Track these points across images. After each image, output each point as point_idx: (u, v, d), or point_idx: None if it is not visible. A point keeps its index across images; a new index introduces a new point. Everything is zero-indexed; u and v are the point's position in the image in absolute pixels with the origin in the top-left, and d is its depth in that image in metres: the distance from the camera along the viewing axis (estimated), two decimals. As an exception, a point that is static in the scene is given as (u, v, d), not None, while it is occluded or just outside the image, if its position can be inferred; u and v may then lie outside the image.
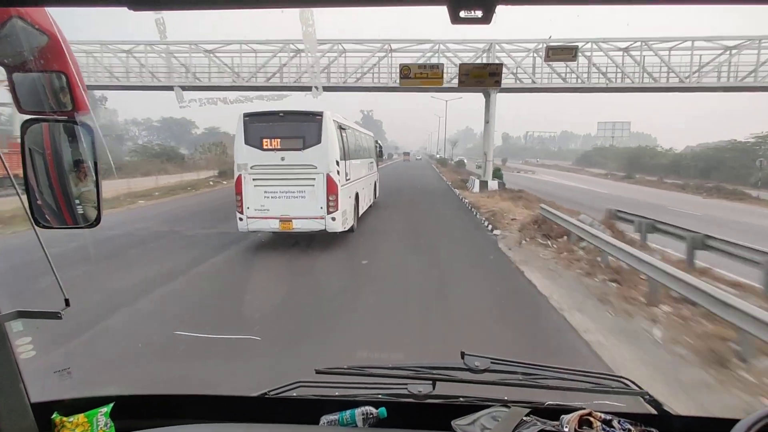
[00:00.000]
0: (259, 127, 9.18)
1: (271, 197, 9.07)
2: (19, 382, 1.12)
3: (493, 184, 22.94)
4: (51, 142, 1.10)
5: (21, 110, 1.05)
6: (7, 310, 1.05)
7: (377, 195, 17.69)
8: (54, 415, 1.21)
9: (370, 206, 15.39)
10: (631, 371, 4.17)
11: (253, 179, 9.12)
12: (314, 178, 9.09)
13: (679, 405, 4.34)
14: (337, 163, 9.27)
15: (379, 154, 18.91)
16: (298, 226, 9.17)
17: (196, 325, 5.26)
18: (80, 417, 1.22)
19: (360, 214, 12.56)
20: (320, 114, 9.08)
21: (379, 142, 18.99)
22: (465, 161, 63.13)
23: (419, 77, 10.66)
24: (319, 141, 9.03)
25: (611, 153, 66.97)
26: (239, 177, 9.14)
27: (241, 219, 9.22)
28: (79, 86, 1.09)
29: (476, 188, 23.05)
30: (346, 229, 10.22)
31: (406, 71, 10.43)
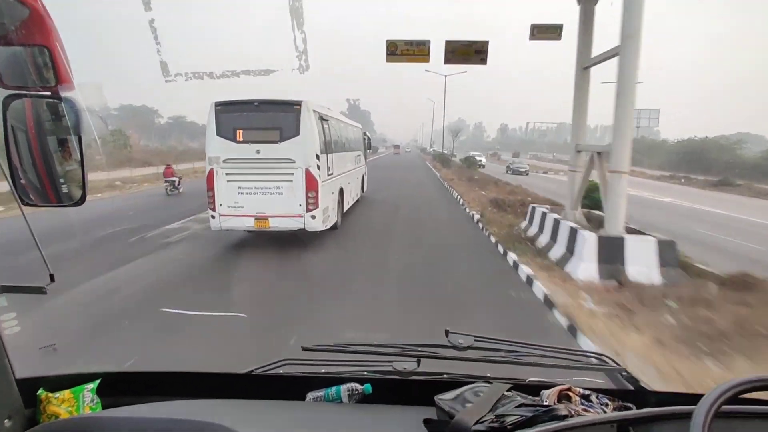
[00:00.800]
0: (232, 117, 8.62)
1: (246, 193, 8.54)
2: (3, 357, 1.12)
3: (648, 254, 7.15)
4: (34, 119, 1.08)
5: (3, 85, 1.03)
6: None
7: (365, 189, 17.03)
8: (40, 391, 1.22)
9: (357, 201, 14.83)
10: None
11: (226, 174, 8.56)
12: (292, 173, 8.52)
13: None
14: (318, 157, 8.69)
15: (368, 147, 18.16)
16: (275, 224, 8.62)
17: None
18: (66, 393, 1.23)
19: (345, 209, 12.13)
20: (298, 104, 8.51)
21: (367, 134, 18.17)
22: (483, 161, 44.05)
23: (406, 54, 10.33)
24: (297, 133, 8.47)
25: (661, 148, 54.65)
26: (211, 171, 8.55)
27: (213, 217, 8.68)
28: (63, 61, 1.07)
29: (585, 271, 7.16)
30: (328, 228, 9.66)
31: (392, 47, 10.15)
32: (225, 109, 8.56)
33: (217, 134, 8.54)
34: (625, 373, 1.43)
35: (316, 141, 8.70)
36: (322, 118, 9.55)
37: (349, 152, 13.37)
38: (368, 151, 18.54)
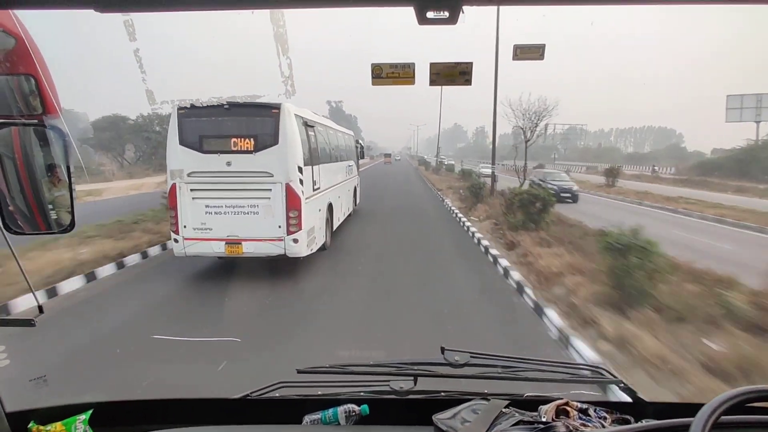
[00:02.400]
0: (198, 123, 7.25)
1: (215, 213, 7.22)
2: None
3: None
4: (21, 147, 1.08)
5: None
6: None
7: (357, 203, 15.73)
8: (30, 424, 1.19)
9: (349, 215, 13.71)
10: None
11: (191, 190, 7.21)
12: (270, 189, 7.22)
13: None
14: (300, 169, 7.38)
15: (360, 156, 16.85)
16: (249, 249, 7.27)
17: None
18: (58, 425, 1.21)
19: (336, 226, 10.99)
20: (277, 106, 7.11)
21: (360, 142, 17.10)
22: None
23: (391, 77, 10.42)
24: (275, 141, 7.16)
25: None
26: (173, 186, 7.22)
27: (176, 241, 7.27)
28: (48, 90, 1.08)
29: None
30: (314, 251, 8.26)
31: (378, 71, 10.27)
32: (189, 114, 7.20)
33: (181, 143, 7.21)
34: (622, 385, 1.43)
35: (299, 151, 7.41)
36: (307, 124, 8.34)
37: (340, 162, 12.12)
38: (361, 159, 17.23)
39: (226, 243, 7.24)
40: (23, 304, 5.92)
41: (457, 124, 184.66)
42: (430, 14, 0.75)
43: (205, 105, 7.12)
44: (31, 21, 1.03)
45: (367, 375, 1.44)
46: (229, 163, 7.17)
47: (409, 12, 0.76)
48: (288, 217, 7.24)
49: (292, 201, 7.25)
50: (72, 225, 1.15)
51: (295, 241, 7.31)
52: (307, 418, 1.31)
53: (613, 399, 1.37)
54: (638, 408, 1.30)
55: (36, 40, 1.07)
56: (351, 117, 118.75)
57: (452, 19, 0.76)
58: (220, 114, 7.24)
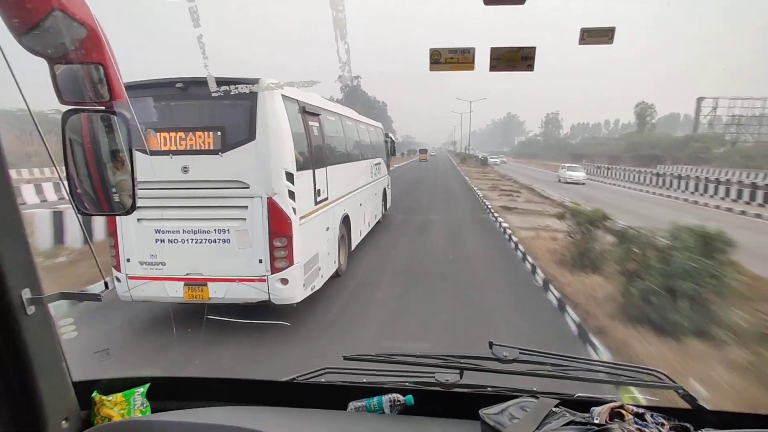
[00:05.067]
0: (140, 110, 3.98)
1: (169, 242, 5.08)
2: (61, 361, 1.18)
3: None
4: (89, 132, 1.14)
5: (62, 101, 1.09)
6: (50, 292, 1.10)
7: (387, 208, 13.48)
8: (94, 394, 1.27)
9: (378, 221, 11.86)
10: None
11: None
12: (245, 207, 5.02)
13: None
14: (290, 176, 5.13)
15: (391, 152, 14.52)
16: (218, 294, 5.05)
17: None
18: (118, 396, 1.28)
19: (358, 243, 8.95)
20: (254, 81, 4.57)
21: (390, 136, 14.66)
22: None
23: (449, 62, 10.21)
24: (251, 136, 4.97)
25: None
26: None
27: (118, 280, 5.18)
28: (117, 77, 1.12)
29: None
30: (318, 288, 5.99)
31: (436, 56, 10.07)
32: (129, 97, 3.27)
33: None
34: (681, 391, 1.35)
35: (287, 148, 5.16)
36: (307, 111, 6.08)
37: (362, 161, 9.93)
38: (391, 156, 14.85)
39: (185, 284, 5.08)
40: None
41: (512, 114, 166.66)
42: None
43: (148, 83, 5.01)
44: (98, 9, 1.07)
45: (412, 366, 1.44)
46: (185, 169, 4.96)
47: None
48: (272, 248, 5.02)
49: (278, 223, 5.03)
50: (133, 207, 1.20)
51: (284, 281, 5.06)
52: (351, 405, 1.32)
53: (670, 405, 1.28)
54: (699, 416, 1.22)
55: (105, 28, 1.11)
56: (376, 102, 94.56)
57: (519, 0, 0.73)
58: (171, 96, 4.99)
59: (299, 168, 5.40)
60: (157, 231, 5.06)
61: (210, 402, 1.31)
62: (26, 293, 1.02)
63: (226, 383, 1.41)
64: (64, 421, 1.16)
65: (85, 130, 1.13)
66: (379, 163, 12.09)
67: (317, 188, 6.15)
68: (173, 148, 4.97)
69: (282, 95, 5.21)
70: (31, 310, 1.03)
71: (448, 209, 16.78)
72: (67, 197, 1.14)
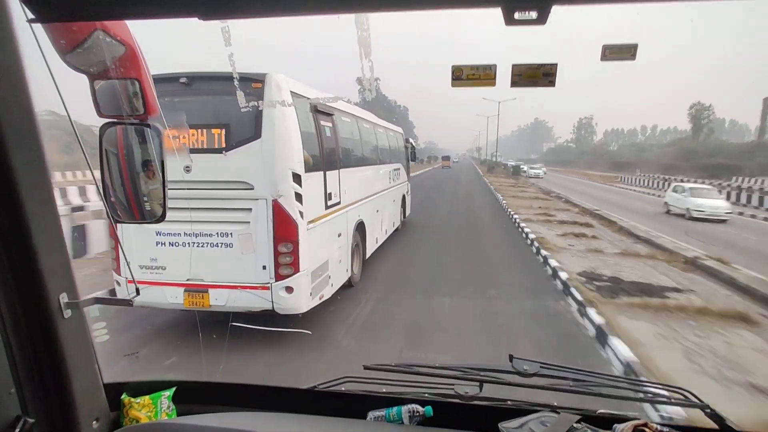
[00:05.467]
0: None
1: (170, 245, 4.93)
2: (94, 363, 1.22)
3: None
4: (124, 144, 1.20)
5: (100, 114, 1.15)
6: (85, 297, 1.15)
7: (406, 214, 13.22)
8: (123, 396, 1.31)
9: (396, 228, 11.49)
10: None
11: None
12: (249, 209, 4.85)
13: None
14: (298, 178, 4.91)
15: (411, 158, 14.17)
16: (219, 301, 4.87)
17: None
18: (146, 399, 1.32)
19: (373, 250, 8.62)
20: (260, 79, 4.72)
21: (411, 140, 14.38)
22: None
23: (471, 78, 10.20)
24: (256, 134, 4.78)
25: None
26: None
27: (118, 284, 5.23)
28: (151, 91, 1.18)
29: None
30: (327, 298, 5.76)
31: (458, 73, 10.06)
32: None
33: None
34: (708, 410, 1.31)
35: (295, 148, 4.95)
36: (319, 111, 5.83)
37: (381, 165, 9.54)
38: (411, 162, 14.44)
39: (185, 290, 4.91)
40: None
41: (540, 120, 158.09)
42: (517, 15, 0.74)
43: (153, 78, 4.05)
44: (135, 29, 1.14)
45: (432, 377, 1.44)
46: (187, 168, 4.70)
47: (494, 14, 0.75)
48: (277, 253, 4.79)
49: (284, 227, 4.80)
50: (163, 216, 1.26)
51: (288, 289, 4.83)
52: (371, 414, 1.33)
53: (697, 425, 1.26)
54: None
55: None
56: (397, 106, 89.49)
57: (540, 20, 0.75)
58: (176, 92, 4.86)
59: (308, 169, 5.16)
60: (158, 233, 4.91)
61: (234, 407, 1.33)
62: (64, 297, 1.07)
63: (249, 389, 1.43)
64: (95, 422, 1.20)
65: (120, 142, 1.20)
66: (398, 169, 11.66)
67: (328, 192, 5.88)
68: (176, 146, 4.37)
69: (291, 92, 5.08)
70: (67, 313, 1.08)
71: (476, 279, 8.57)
72: (102, 205, 1.19)
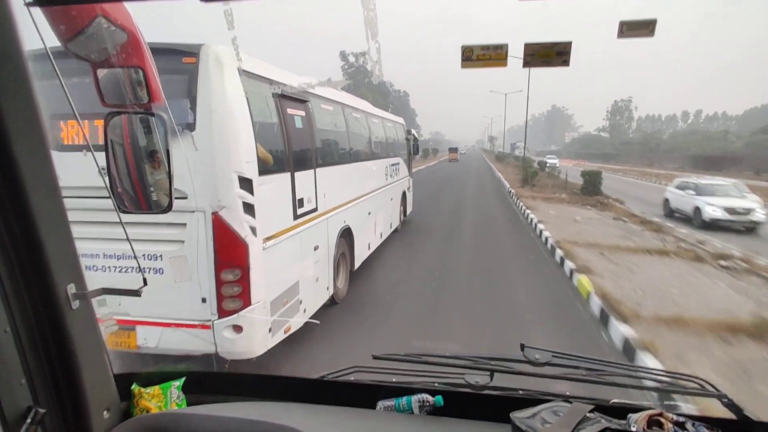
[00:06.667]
0: (46, 88, 1.21)
1: (86, 268, 2.19)
2: (103, 353, 1.22)
3: None
4: (129, 133, 1.19)
5: (104, 103, 1.14)
6: (93, 288, 1.14)
7: (407, 213, 12.18)
8: (133, 386, 1.32)
9: (395, 230, 10.42)
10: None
11: None
12: (183, 224, 3.60)
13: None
14: (245, 183, 3.66)
15: (414, 151, 12.86)
16: (149, 341, 3.68)
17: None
18: (156, 389, 1.32)
19: (366, 257, 7.49)
20: (194, 53, 3.48)
21: (414, 132, 12.91)
22: None
23: (482, 59, 9.95)
24: (189, 125, 3.49)
25: None
26: None
27: None
28: (155, 80, 1.16)
29: None
30: (294, 331, 4.47)
31: (468, 53, 9.85)
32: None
33: None
34: (725, 400, 1.28)
35: (241, 143, 3.68)
36: (284, 96, 4.48)
37: (373, 161, 8.28)
38: (414, 156, 13.28)
39: (104, 327, 2.66)
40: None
41: (557, 107, 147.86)
42: None
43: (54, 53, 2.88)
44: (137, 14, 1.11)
45: (442, 366, 1.42)
46: (104, 171, 2.62)
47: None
48: (219, 282, 3.60)
49: (228, 249, 3.61)
50: (170, 206, 1.24)
51: (237, 328, 3.61)
52: (380, 404, 1.32)
53: (713, 415, 1.23)
54: (744, 427, 1.17)
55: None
56: (394, 91, 75.53)
57: None
58: (85, 72, 2.41)
59: (266, 171, 3.96)
60: None
61: (242, 397, 1.34)
62: (71, 288, 1.07)
63: (258, 379, 1.43)
64: (105, 412, 1.20)
65: (125, 132, 1.18)
66: (397, 164, 10.45)
67: (299, 197, 4.64)
68: (88, 141, 3.18)
69: (243, 70, 3.81)
70: (75, 304, 1.07)
71: None
72: (110, 196, 1.18)
